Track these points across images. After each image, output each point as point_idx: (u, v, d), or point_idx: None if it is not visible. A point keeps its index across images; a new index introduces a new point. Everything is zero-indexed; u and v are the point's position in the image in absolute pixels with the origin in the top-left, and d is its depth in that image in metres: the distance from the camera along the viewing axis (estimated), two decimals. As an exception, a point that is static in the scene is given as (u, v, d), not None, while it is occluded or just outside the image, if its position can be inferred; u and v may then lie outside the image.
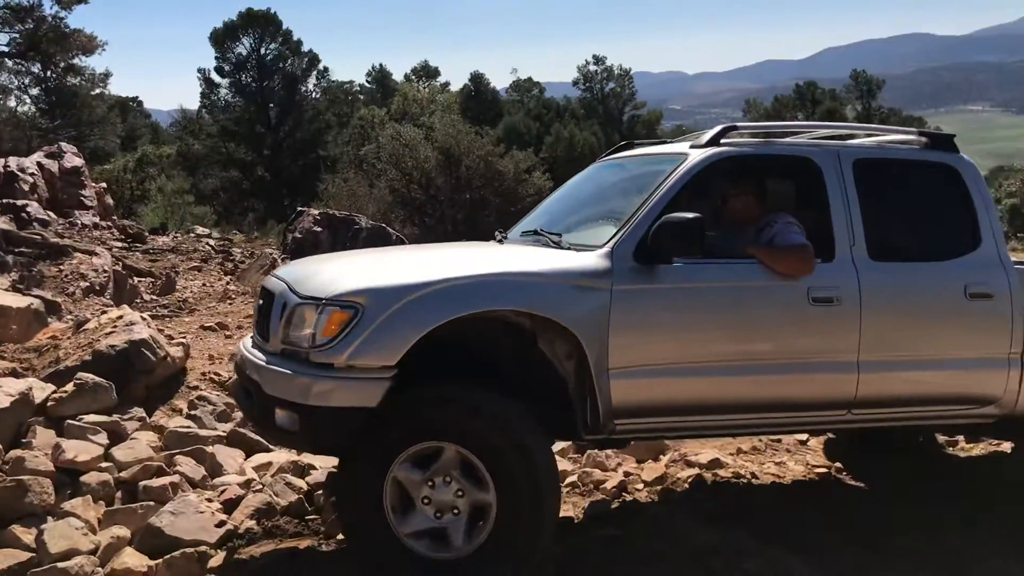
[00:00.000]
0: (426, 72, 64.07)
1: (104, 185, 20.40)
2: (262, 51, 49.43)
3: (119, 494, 4.95)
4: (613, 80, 62.35)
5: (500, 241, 5.13)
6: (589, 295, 4.05)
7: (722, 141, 4.67)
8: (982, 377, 4.74)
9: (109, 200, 19.44)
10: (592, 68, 62.29)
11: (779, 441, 6.58)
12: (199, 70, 49.55)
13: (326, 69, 52.36)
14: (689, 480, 5.78)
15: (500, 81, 66.78)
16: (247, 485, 5.11)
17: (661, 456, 6.23)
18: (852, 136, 5.43)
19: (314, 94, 51.72)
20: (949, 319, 4.71)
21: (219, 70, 49.36)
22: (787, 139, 5.11)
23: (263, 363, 4.02)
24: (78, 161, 19.07)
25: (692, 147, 4.68)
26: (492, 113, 53.60)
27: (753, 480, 5.89)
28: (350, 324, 3.78)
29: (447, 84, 63.63)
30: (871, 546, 4.73)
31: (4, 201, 15.06)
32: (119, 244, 14.91)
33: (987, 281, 4.71)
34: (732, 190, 4.86)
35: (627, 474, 5.92)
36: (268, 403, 3.95)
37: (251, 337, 4.55)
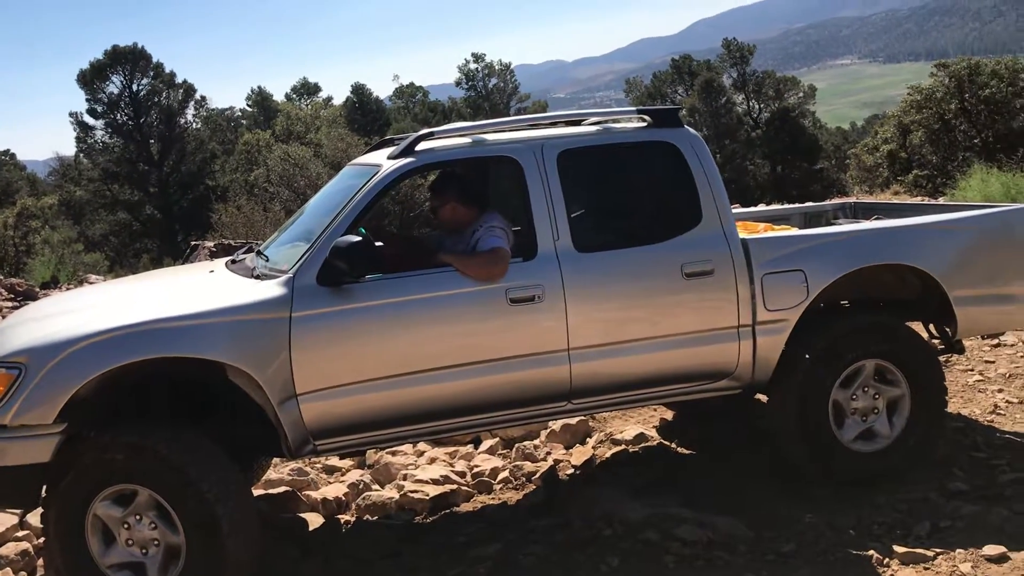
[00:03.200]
0: (306, 89, 63.32)
1: (-16, 245, 19.52)
2: (134, 87, 48.20)
3: (40, 561, 4.78)
4: (495, 76, 62.61)
5: (234, 260, 5.03)
6: (261, 327, 4.10)
7: (417, 149, 4.59)
8: (710, 352, 4.68)
9: (-8, 260, 18.62)
10: (473, 66, 62.47)
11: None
12: (71, 114, 48.05)
13: (204, 98, 51.44)
14: (617, 458, 5.87)
15: (383, 90, 66.43)
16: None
17: (588, 439, 6.31)
18: (575, 124, 5.11)
19: (194, 124, 50.70)
20: (664, 300, 4.63)
21: (92, 112, 47.96)
22: (493, 137, 4.80)
23: None
24: (-48, 224, 18.20)
25: (388, 157, 4.59)
26: (379, 122, 53.38)
27: (679, 450, 6.02)
28: (15, 384, 3.90)
29: (330, 99, 63.10)
30: (797, 496, 4.89)
31: None
32: (8, 304, 14.33)
33: (707, 258, 4.63)
34: (435, 198, 4.88)
35: (557, 461, 5.99)
36: None
37: None
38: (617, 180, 4.91)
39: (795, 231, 5.45)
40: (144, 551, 4.05)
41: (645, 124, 4.93)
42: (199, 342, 4.01)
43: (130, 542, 4.05)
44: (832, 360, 4.82)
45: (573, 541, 4.54)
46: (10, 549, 4.73)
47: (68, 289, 17.89)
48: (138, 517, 4.03)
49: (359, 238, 4.14)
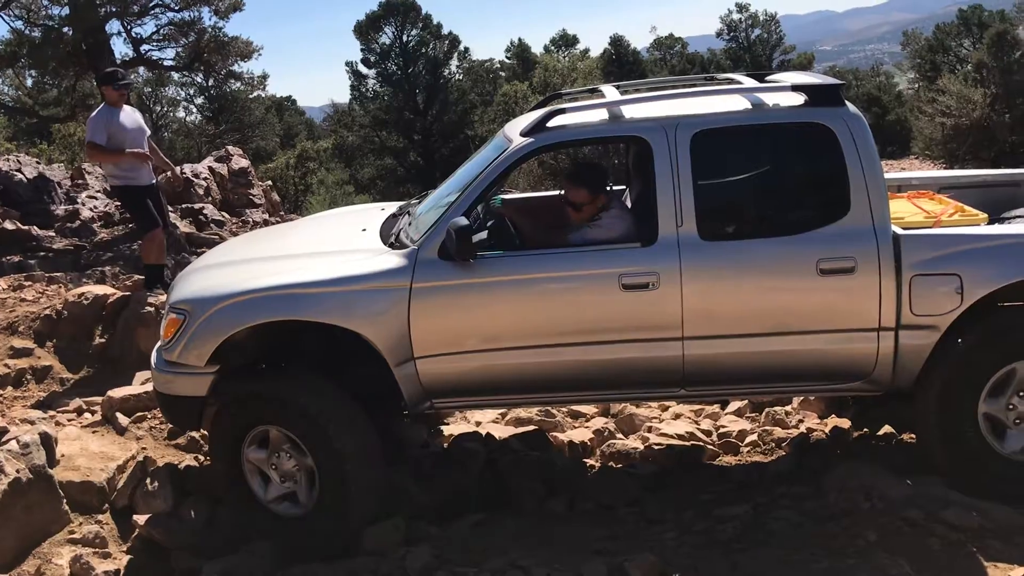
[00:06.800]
0: (565, 41, 63.59)
1: (270, 183, 21.37)
2: (404, 38, 50.51)
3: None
4: (758, 27, 60.04)
5: (395, 215, 5.19)
6: (382, 295, 4.35)
7: (549, 125, 4.48)
8: (842, 352, 4.36)
9: (276, 196, 20.33)
10: (735, 17, 60.10)
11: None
12: (347, 63, 51.15)
13: (467, 49, 52.94)
14: (875, 435, 5.55)
15: (641, 41, 65.53)
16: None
17: (844, 411, 6.01)
18: (717, 93, 4.76)
19: (457, 75, 52.44)
20: (792, 296, 4.35)
21: (365, 61, 50.76)
22: (629, 113, 4.54)
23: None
24: (244, 162, 20.06)
25: (521, 133, 4.53)
26: (636, 75, 52.76)
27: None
28: (180, 328, 4.49)
29: (587, 51, 63.03)
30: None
31: (183, 206, 16.08)
32: (289, 237, 15.59)
33: (848, 254, 4.25)
34: (566, 182, 4.85)
35: (809, 430, 5.78)
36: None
37: None
38: (757, 164, 4.65)
39: (965, 226, 4.64)
40: (294, 481, 4.54)
41: (802, 102, 4.45)
42: (325, 308, 4.34)
43: (283, 479, 4.55)
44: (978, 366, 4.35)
45: (827, 511, 4.36)
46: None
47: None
48: (278, 454, 4.52)
49: (467, 222, 4.27)
